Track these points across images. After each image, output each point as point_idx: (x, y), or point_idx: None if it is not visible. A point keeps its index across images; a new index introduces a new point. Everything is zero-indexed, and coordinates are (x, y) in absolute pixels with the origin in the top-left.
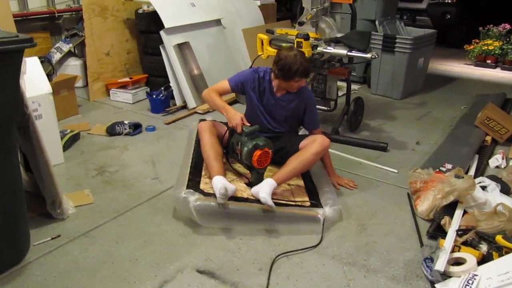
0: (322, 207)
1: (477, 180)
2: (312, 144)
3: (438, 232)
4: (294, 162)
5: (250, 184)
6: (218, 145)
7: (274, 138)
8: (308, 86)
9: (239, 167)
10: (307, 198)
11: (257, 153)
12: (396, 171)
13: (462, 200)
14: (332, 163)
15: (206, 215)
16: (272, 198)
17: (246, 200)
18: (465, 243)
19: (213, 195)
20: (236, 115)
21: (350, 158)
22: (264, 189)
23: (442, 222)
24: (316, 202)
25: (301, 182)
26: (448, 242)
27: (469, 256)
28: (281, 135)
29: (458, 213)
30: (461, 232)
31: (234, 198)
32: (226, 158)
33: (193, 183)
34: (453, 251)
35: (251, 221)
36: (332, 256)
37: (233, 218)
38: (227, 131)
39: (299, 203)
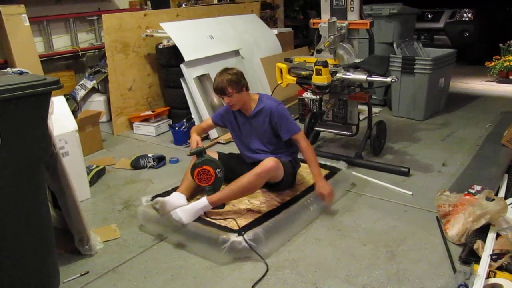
0: (243, 234)
1: (509, 201)
2: (256, 167)
3: (471, 257)
4: (232, 184)
5: None
6: None
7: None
8: (329, 112)
9: None
10: (244, 224)
11: (196, 170)
12: (411, 193)
13: (494, 223)
14: (357, 188)
15: (145, 219)
16: (207, 216)
17: None
18: (500, 268)
19: None
20: (193, 139)
21: (375, 182)
22: (188, 206)
23: (475, 246)
24: (241, 230)
25: (266, 209)
26: (483, 267)
27: (506, 282)
28: None
29: (491, 236)
30: (495, 256)
31: None
32: None
33: (165, 193)
34: (488, 276)
35: (179, 232)
36: (362, 285)
37: (167, 228)
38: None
39: (227, 225)
